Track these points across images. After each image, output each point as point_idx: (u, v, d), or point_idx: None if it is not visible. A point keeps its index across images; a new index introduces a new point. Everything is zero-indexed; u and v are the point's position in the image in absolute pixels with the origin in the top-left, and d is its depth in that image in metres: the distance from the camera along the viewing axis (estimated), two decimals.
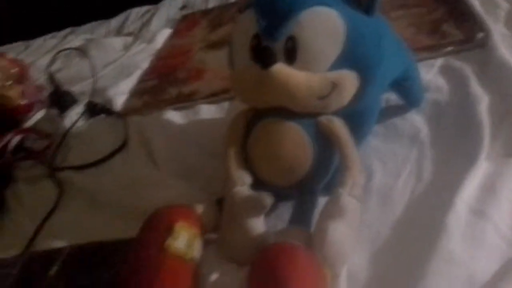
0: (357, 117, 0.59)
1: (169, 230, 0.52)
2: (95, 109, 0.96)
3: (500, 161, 0.56)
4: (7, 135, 0.92)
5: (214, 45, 1.09)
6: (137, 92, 1.01)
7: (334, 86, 0.53)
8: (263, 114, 0.57)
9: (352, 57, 0.53)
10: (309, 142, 0.55)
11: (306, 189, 0.57)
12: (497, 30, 0.76)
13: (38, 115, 1.04)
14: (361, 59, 0.54)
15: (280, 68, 0.52)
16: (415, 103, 0.67)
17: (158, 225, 0.53)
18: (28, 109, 1.04)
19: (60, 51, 1.08)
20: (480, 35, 0.76)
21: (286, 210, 0.59)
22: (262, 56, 0.53)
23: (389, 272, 0.50)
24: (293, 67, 0.53)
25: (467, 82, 0.69)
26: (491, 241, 0.48)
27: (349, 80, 0.54)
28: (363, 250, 0.53)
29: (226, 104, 0.87)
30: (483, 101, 0.64)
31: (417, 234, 0.52)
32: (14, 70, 1.06)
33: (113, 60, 1.18)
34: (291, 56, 0.52)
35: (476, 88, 0.67)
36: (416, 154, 0.62)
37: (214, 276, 0.53)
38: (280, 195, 0.58)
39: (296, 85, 0.52)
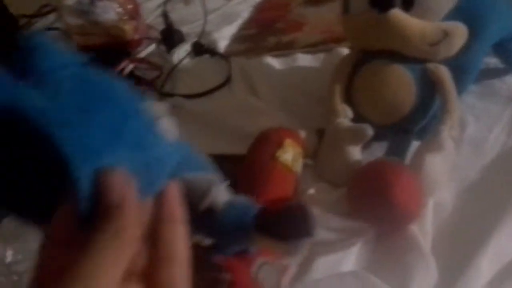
0: (459, 71, 0.63)
1: (279, 144, 0.59)
2: (201, 49, 1.04)
3: None
4: (122, 62, 1.03)
5: (313, 2, 1.14)
6: (238, 38, 1.09)
7: (445, 34, 0.57)
8: (372, 56, 0.63)
9: (466, 11, 0.58)
10: (414, 85, 0.60)
11: (403, 130, 0.62)
12: None
13: (149, 49, 1.13)
14: (474, 16, 0.58)
15: (397, 13, 0.57)
16: None
17: (269, 139, 0.60)
18: (138, 43, 1.15)
19: None
20: None
21: (379, 149, 0.65)
22: (380, 1, 0.58)
23: (474, 207, 0.55)
24: (409, 14, 0.57)
25: None
26: None
27: (460, 32, 0.58)
28: (452, 187, 0.58)
29: (322, 55, 0.93)
30: None
31: (504, 181, 0.57)
32: (130, 6, 1.17)
33: (216, 8, 1.25)
34: (408, 4, 0.57)
35: None
36: (510, 114, 0.65)
37: (311, 191, 0.61)
38: (375, 135, 0.64)
39: (411, 30, 0.57)
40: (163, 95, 0.93)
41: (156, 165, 0.28)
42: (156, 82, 0.99)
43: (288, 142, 0.60)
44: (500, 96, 0.68)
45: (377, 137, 0.65)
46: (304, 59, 0.94)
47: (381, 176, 0.48)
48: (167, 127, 0.30)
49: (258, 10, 1.20)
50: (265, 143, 0.60)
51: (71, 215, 0.25)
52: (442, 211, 0.55)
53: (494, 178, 0.57)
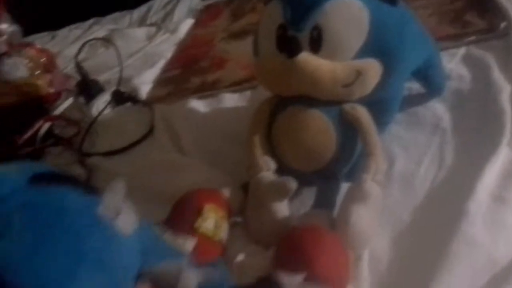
0: (380, 105, 0.60)
1: (198, 212, 0.54)
2: (121, 98, 0.98)
3: None
4: (36, 122, 0.96)
5: (236, 35, 1.11)
6: (161, 82, 1.04)
7: (358, 74, 0.54)
8: (287, 101, 0.59)
9: (376, 46, 0.55)
10: (333, 129, 0.56)
11: (329, 175, 0.59)
12: None
13: (66, 103, 1.07)
14: (385, 48, 0.55)
15: (306, 57, 0.54)
16: (438, 91, 0.68)
17: (187, 207, 0.55)
18: (56, 97, 1.08)
19: (87, 41, 1.10)
20: (503, 24, 0.77)
21: (309, 196, 0.61)
22: (288, 45, 0.55)
23: (411, 255, 0.51)
24: (318, 56, 0.54)
25: (489, 71, 0.69)
26: None
27: (373, 69, 0.55)
28: (385, 234, 0.54)
29: (248, 93, 0.89)
30: (505, 90, 0.64)
31: (438, 219, 0.53)
32: (43, 59, 1.10)
33: (137, 50, 1.20)
34: (316, 45, 0.54)
35: (499, 76, 0.67)
36: (438, 142, 0.63)
37: (240, 257, 0.55)
38: (303, 181, 0.60)
39: (321, 74, 0.53)
40: (82, 155, 0.86)
41: (122, 274, 0.28)
42: (75, 140, 0.92)
43: (208, 208, 0.55)
44: (426, 124, 0.66)
45: (305, 183, 0.61)
46: (230, 99, 0.90)
47: (302, 251, 0.44)
48: (124, 222, 0.30)
49: (181, 49, 1.16)
50: (183, 211, 0.55)
51: None
52: (378, 264, 0.51)
53: (426, 219, 0.54)
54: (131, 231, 0.30)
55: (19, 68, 1.04)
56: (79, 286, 0.25)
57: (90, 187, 0.30)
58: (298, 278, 0.40)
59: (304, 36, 0.54)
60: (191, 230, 0.53)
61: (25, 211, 0.25)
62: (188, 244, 0.42)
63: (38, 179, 0.28)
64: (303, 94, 0.56)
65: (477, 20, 0.80)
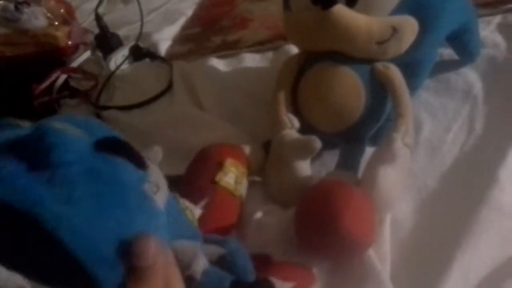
0: (411, 68, 0.58)
1: (219, 165, 0.53)
2: (140, 53, 0.96)
3: None
4: (53, 73, 0.94)
5: None
6: (181, 39, 1.01)
7: (394, 31, 0.52)
8: (316, 58, 0.57)
9: (415, 3, 0.52)
10: (363, 89, 0.54)
11: (354, 137, 0.57)
12: None
13: (83, 57, 1.05)
14: (424, 7, 0.52)
15: (341, 10, 0.51)
16: (471, 58, 0.65)
17: (209, 159, 0.54)
18: (74, 50, 1.05)
19: None
20: None
21: (331, 158, 0.59)
22: None
23: (435, 221, 0.50)
24: (354, 9, 0.52)
25: None
26: None
27: (410, 26, 0.53)
28: (409, 199, 0.53)
29: (270, 54, 0.86)
30: None
31: (466, 185, 0.52)
32: (61, 10, 1.07)
33: (158, 7, 1.17)
34: None
35: None
36: (468, 109, 0.61)
37: (258, 215, 0.54)
38: (326, 143, 0.58)
39: (356, 28, 0.51)
40: (98, 108, 0.85)
41: None
42: (91, 94, 0.91)
43: (229, 162, 0.53)
44: (456, 90, 0.64)
45: (328, 145, 0.59)
46: (251, 59, 0.87)
47: (328, 203, 0.42)
48: (161, 197, 0.31)
49: (203, 7, 1.12)
50: (204, 164, 0.54)
51: None
52: (401, 228, 0.50)
53: (454, 185, 0.53)
54: (164, 206, 0.31)
55: (37, 18, 1.02)
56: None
57: (140, 160, 0.30)
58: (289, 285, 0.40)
59: None
60: (212, 183, 0.52)
61: (88, 178, 0.26)
62: (196, 212, 0.42)
63: (101, 145, 0.28)
64: (334, 50, 0.54)
65: None
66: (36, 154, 0.25)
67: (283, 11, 0.61)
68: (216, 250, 0.37)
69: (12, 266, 0.26)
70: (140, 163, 0.30)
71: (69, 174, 0.25)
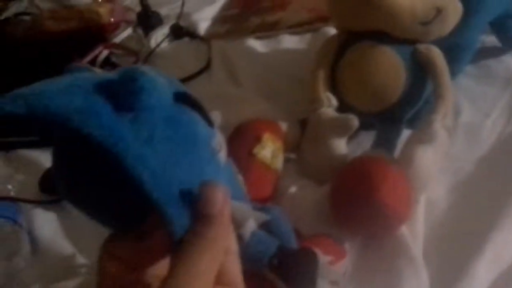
0: (453, 52, 0.58)
1: (257, 139, 0.54)
2: (180, 32, 0.98)
3: None
4: (96, 48, 0.97)
5: None
6: (220, 19, 1.02)
7: (438, 12, 0.52)
8: (357, 37, 0.57)
9: None
10: (404, 69, 0.54)
11: (392, 118, 0.57)
12: None
13: (125, 34, 1.07)
14: None
15: None
16: None
17: (247, 133, 0.55)
18: (115, 27, 1.08)
19: None
20: None
21: (367, 138, 0.60)
22: None
23: (470, 205, 0.50)
24: None
25: None
26: None
27: (454, 8, 0.52)
28: (445, 181, 0.53)
29: (309, 36, 0.87)
30: None
31: (503, 171, 0.52)
32: None
33: None
34: None
35: None
36: (509, 96, 0.60)
37: (293, 189, 0.55)
38: (363, 124, 0.58)
39: (400, 7, 0.51)
40: None
41: None
42: None
43: (266, 136, 0.55)
44: (497, 77, 0.63)
45: (364, 126, 0.59)
46: (289, 41, 0.88)
47: (366, 176, 0.43)
48: (222, 156, 0.32)
49: None
50: (242, 137, 0.55)
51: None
52: (435, 209, 0.50)
53: (491, 170, 0.52)
54: (224, 165, 0.33)
55: None
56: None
57: (209, 119, 0.32)
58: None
59: None
60: (249, 155, 0.53)
61: (168, 124, 0.27)
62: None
63: (180, 97, 0.29)
64: (377, 29, 0.55)
65: None
66: (124, 95, 0.26)
67: None
68: (262, 216, 0.38)
69: (86, 198, 0.28)
70: (209, 120, 0.31)
71: (151, 118, 0.26)
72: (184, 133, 0.28)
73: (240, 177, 0.44)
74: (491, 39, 0.66)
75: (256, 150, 0.53)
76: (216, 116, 0.35)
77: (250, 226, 0.37)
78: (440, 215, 0.50)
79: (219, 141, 0.32)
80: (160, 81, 0.28)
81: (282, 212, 0.41)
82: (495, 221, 0.46)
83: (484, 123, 0.58)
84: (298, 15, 0.91)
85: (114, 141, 0.24)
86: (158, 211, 0.25)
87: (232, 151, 0.54)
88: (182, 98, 0.29)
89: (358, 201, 0.43)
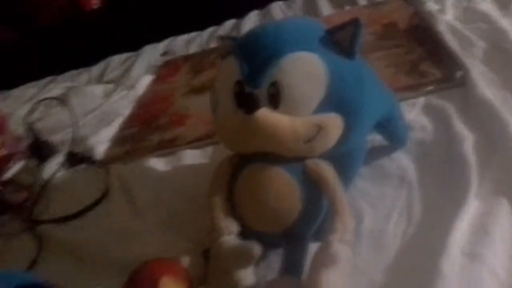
0: (343, 160, 0.58)
1: (155, 285, 0.49)
2: (75, 159, 0.93)
3: (490, 200, 0.55)
4: None
5: (196, 90, 1.09)
6: (118, 140, 0.99)
7: (319, 129, 0.52)
8: (249, 159, 0.56)
9: (336, 100, 0.53)
10: (297, 187, 0.53)
11: (296, 236, 0.55)
12: (475, 67, 0.77)
13: (16, 167, 1.01)
14: (345, 102, 0.53)
15: (264, 113, 0.51)
16: (401, 143, 0.67)
17: (143, 281, 0.50)
18: (7, 160, 1.02)
19: (40, 101, 1.06)
20: (459, 73, 0.77)
21: (276, 259, 0.57)
22: (246, 102, 0.52)
23: None
24: (277, 111, 0.52)
25: (450, 120, 0.69)
26: (488, 286, 0.46)
27: (334, 123, 0.53)
28: None
29: (210, 149, 0.86)
30: (467, 139, 0.64)
31: (412, 280, 0.50)
32: None
33: (94, 108, 1.16)
34: (274, 101, 0.52)
35: (460, 126, 0.67)
36: (405, 195, 0.61)
37: None
38: (269, 244, 0.56)
39: (281, 129, 0.51)
40: (31, 222, 0.80)
41: None
42: (25, 206, 0.86)
43: (164, 281, 0.50)
44: (392, 176, 0.64)
45: (271, 245, 0.57)
46: (191, 155, 0.87)
47: None
48: None
49: (140, 106, 1.12)
50: (140, 284, 0.50)
51: None
52: None
53: (400, 279, 0.51)
54: None
55: None
56: None
57: None
58: None
59: (262, 92, 0.52)
60: None
61: None
62: None
63: None
64: (264, 151, 0.54)
65: (433, 70, 0.81)
66: None
67: (211, 112, 0.61)
68: None
69: None
70: None
71: None
72: None
73: None
74: (380, 138, 0.68)
75: None
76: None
77: None
78: None
79: None
80: None
81: None
82: None
83: (386, 228, 0.57)
84: (196, 129, 0.91)
85: None
86: None
87: None
88: None
89: None
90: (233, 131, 0.55)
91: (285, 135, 0.52)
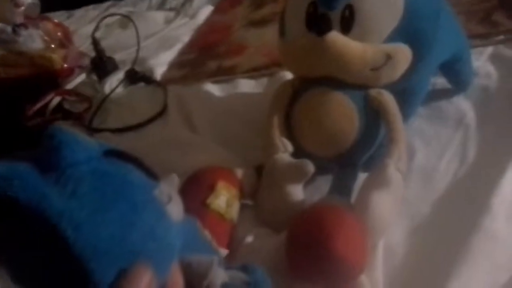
0: (404, 95, 0.58)
1: (211, 188, 0.52)
2: (135, 77, 0.97)
3: None
4: (47, 95, 0.95)
5: (256, 23, 1.09)
6: (177, 64, 1.02)
7: (388, 58, 0.52)
8: (311, 83, 0.57)
9: (409, 31, 0.53)
10: (357, 114, 0.54)
11: (348, 162, 0.57)
12: None
13: (78, 79, 1.05)
14: (417, 35, 0.53)
15: (336, 36, 0.52)
16: (463, 86, 0.66)
17: (200, 182, 0.53)
18: (69, 73, 1.06)
19: (107, 16, 1.09)
20: None
21: (324, 183, 0.59)
22: (318, 23, 0.53)
23: (428, 249, 0.49)
24: (349, 36, 0.52)
25: None
26: None
27: (403, 54, 0.53)
28: (402, 225, 0.52)
29: (265, 80, 0.87)
30: None
31: (459, 213, 0.51)
32: (59, 34, 1.08)
33: (155, 33, 1.19)
34: (347, 25, 0.52)
35: None
36: (461, 137, 0.61)
37: (249, 239, 0.53)
38: (319, 168, 0.58)
39: (350, 54, 0.52)
40: (91, 130, 0.84)
41: (167, 251, 0.30)
42: (85, 116, 0.91)
43: (221, 185, 0.53)
44: (449, 118, 0.64)
45: (321, 170, 0.59)
46: (246, 85, 0.88)
47: (320, 226, 0.42)
48: (174, 210, 0.31)
49: (199, 34, 1.14)
50: (195, 187, 0.53)
51: None
52: (393, 255, 0.49)
53: (446, 213, 0.52)
54: (178, 220, 0.32)
55: (34, 40, 1.03)
56: (132, 251, 0.27)
57: (152, 173, 0.32)
58: None
59: (335, 15, 0.52)
60: (203, 205, 0.51)
61: (95, 177, 0.27)
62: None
63: (111, 153, 0.29)
64: (329, 75, 0.55)
65: (505, 20, 0.78)
66: (45, 154, 0.26)
67: (278, 37, 0.62)
68: (239, 275, 0.36)
69: (13, 262, 0.27)
70: (150, 173, 0.31)
71: (76, 173, 0.26)
72: (114, 182, 0.27)
73: (207, 233, 0.41)
74: (442, 81, 0.68)
75: (209, 200, 0.51)
76: (173, 178, 0.34)
77: (218, 276, 0.35)
78: (399, 261, 0.49)
79: (166, 193, 0.31)
80: (83, 138, 0.28)
81: (265, 275, 0.38)
82: (453, 267, 0.45)
83: (438, 165, 0.58)
84: (254, 60, 0.92)
85: (37, 200, 0.24)
86: (80, 267, 0.25)
87: (185, 202, 0.52)
88: (114, 153, 0.29)
89: (313, 253, 0.41)
90: (301, 53, 0.56)
91: (353, 60, 0.52)
